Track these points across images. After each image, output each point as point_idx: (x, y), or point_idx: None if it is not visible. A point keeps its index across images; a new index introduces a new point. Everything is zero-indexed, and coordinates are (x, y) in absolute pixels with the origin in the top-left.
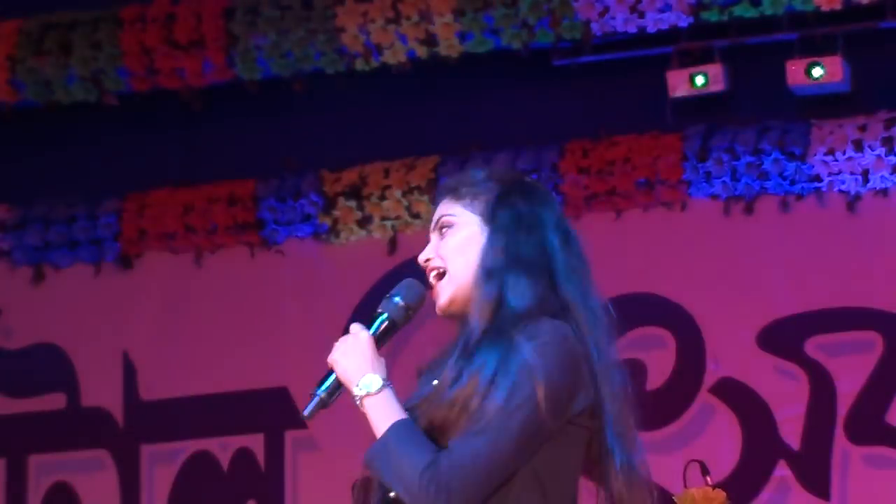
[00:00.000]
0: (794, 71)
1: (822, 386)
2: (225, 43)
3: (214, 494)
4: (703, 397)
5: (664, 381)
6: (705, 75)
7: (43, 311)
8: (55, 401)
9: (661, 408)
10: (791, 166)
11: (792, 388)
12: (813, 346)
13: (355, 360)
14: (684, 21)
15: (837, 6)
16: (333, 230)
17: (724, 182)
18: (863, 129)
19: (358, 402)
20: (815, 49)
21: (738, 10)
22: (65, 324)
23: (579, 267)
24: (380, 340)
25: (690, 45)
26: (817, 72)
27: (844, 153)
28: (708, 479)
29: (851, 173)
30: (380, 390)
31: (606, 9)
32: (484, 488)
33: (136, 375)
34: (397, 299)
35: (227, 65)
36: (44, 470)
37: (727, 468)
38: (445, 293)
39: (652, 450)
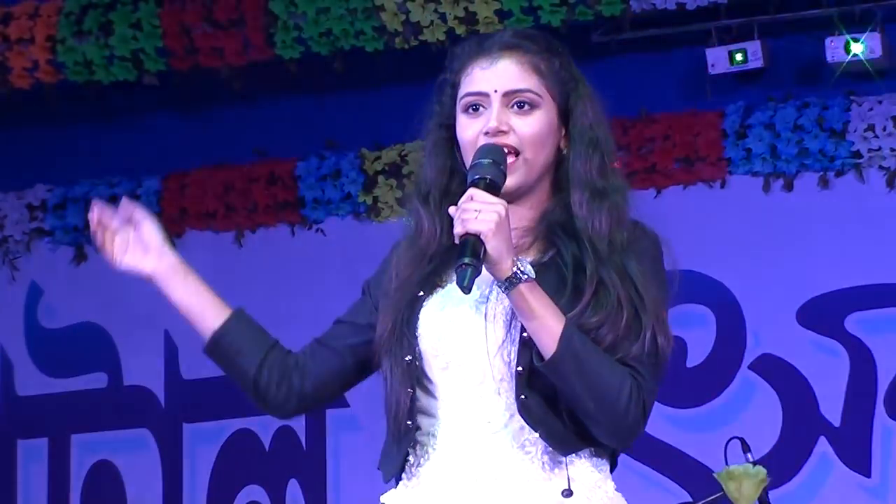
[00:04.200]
0: (834, 47)
1: (862, 362)
2: (265, 21)
3: (256, 473)
4: (744, 374)
5: (705, 358)
6: (745, 52)
7: (84, 291)
8: (97, 380)
9: (702, 385)
10: (831, 143)
11: (832, 365)
12: (853, 323)
13: (506, 236)
14: None
15: None
16: (374, 209)
17: (763, 159)
18: None
19: (505, 284)
20: (854, 25)
21: None
22: (106, 303)
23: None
24: None
25: (730, 22)
26: (857, 48)
27: (885, 129)
28: (749, 455)
29: (891, 149)
30: (533, 278)
31: None
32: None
33: (178, 354)
34: (487, 161)
35: (266, 43)
36: (86, 449)
37: (768, 445)
38: (518, 176)
39: (693, 426)
